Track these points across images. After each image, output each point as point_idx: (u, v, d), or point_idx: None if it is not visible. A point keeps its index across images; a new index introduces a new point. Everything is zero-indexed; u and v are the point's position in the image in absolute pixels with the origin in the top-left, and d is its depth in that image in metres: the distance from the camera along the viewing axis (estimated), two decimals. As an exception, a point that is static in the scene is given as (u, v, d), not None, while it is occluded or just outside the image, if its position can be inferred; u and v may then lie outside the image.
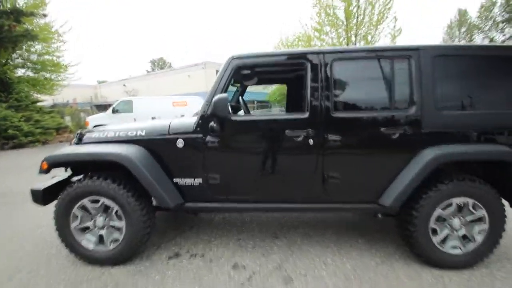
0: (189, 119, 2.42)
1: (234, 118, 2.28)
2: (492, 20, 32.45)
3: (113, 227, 2.32)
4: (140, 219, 2.24)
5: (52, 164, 2.29)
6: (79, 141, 2.50)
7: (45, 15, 14.93)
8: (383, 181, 2.23)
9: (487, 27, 32.45)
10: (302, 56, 2.23)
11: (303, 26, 18.67)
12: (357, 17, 15.18)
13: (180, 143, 2.29)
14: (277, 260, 2.42)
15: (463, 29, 35.91)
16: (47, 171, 2.30)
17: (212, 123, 2.23)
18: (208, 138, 2.26)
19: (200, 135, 2.27)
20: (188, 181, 2.33)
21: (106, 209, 2.31)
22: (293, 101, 3.76)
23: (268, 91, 24.81)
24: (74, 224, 2.32)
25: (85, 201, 2.28)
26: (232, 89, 3.71)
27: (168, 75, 28.12)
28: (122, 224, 2.28)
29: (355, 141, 2.22)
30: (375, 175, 2.23)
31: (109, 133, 2.44)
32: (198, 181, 2.32)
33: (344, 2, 14.97)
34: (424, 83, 2.16)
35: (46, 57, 16.25)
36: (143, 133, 2.36)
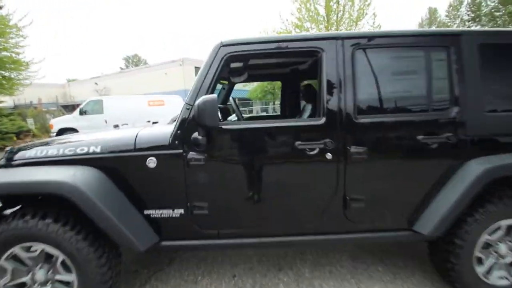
0: (163, 128, 1.81)
1: (225, 126, 1.69)
2: (460, 18, 33.94)
3: (61, 282, 1.66)
4: (97, 271, 1.60)
5: None
6: (8, 161, 1.79)
7: (0, 7, 13.40)
8: (419, 203, 1.76)
9: (455, 25, 33.87)
10: (316, 42, 1.68)
11: (283, 22, 18.22)
12: (337, 13, 14.96)
13: (151, 162, 1.67)
14: (285, 306, 1.89)
15: (433, 27, 37.31)
16: None
17: (195, 134, 1.63)
18: (191, 154, 1.66)
19: (180, 151, 1.67)
20: (165, 212, 1.72)
21: (48, 257, 1.64)
22: (290, 102, 3.23)
23: (249, 89, 24.19)
24: (3, 281, 1.63)
25: (17, 249, 1.60)
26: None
27: (143, 73, 26.65)
28: (72, 277, 1.63)
29: (384, 153, 1.72)
30: (409, 195, 1.75)
31: (50, 150, 1.76)
32: (178, 212, 1.72)
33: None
34: (468, 77, 1.69)
35: (4, 53, 14.62)
36: (99, 149, 1.71)
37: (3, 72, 14.80)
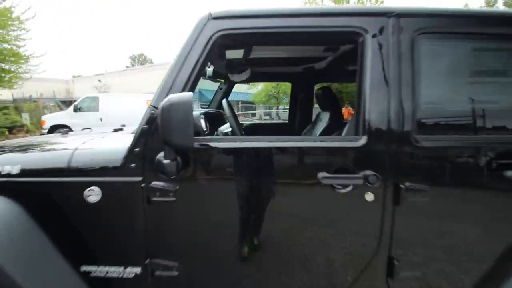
0: (120, 140, 1.22)
1: (213, 143, 1.09)
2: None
3: None
4: None
5: None
6: None
7: (4, -2, 13.05)
8: (499, 270, 1.15)
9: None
10: (356, 19, 1.08)
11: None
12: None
13: (93, 194, 1.07)
14: None
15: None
16: None
17: (160, 156, 1.04)
18: (155, 185, 1.07)
19: (137, 179, 1.07)
20: (113, 271, 1.12)
21: None
22: (301, 108, 2.63)
23: (253, 92, 23.61)
24: None
25: None
26: (208, 87, 2.53)
27: (147, 71, 26.25)
28: None
29: (456, 195, 1.11)
30: (487, 258, 1.14)
31: None
32: (132, 271, 1.12)
33: (335, 3, 14.36)
34: None
35: (4, 45, 14.25)
36: (16, 170, 1.12)
37: (2, 64, 14.43)
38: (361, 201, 1.07)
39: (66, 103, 18.94)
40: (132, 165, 1.06)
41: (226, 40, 1.11)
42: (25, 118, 13.86)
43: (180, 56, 1.07)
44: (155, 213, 1.08)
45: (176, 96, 0.91)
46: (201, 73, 1.09)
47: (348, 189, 1.07)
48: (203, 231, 1.12)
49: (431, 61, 1.09)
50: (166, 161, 0.99)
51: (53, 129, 9.55)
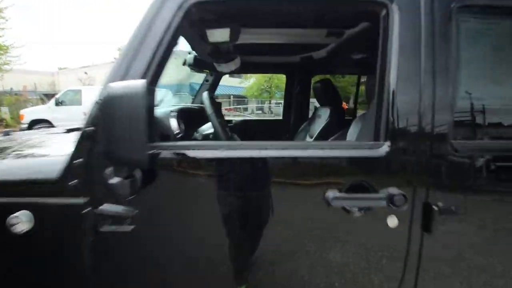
0: (61, 148, 0.92)
1: (192, 153, 0.80)
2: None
3: None
4: None
5: None
6: None
7: (-21, -14, 12.22)
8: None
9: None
10: None
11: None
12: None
13: (20, 222, 0.78)
14: None
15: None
16: None
17: (109, 171, 0.75)
18: (104, 210, 0.78)
19: (79, 200, 0.78)
20: (52, 321, 0.85)
21: None
22: (297, 103, 2.36)
23: (245, 86, 23.13)
24: None
25: None
26: (194, 78, 2.25)
27: (136, 64, 25.49)
28: None
29: (504, 220, 0.87)
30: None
31: None
32: (79, 320, 0.85)
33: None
34: None
35: (-19, 36, 13.46)
36: None
37: (-21, 55, 13.68)
38: (381, 227, 0.82)
39: (49, 96, 18.21)
40: (72, 181, 0.77)
41: (203, 11, 0.83)
42: (5, 112, 13.18)
43: (138, 31, 0.78)
44: (106, 248, 0.80)
45: (120, 85, 0.62)
46: (168, 55, 0.80)
47: (364, 212, 0.81)
48: (175, 271, 0.85)
49: (475, 43, 0.84)
50: (114, 180, 0.70)
51: (33, 123, 9.04)
